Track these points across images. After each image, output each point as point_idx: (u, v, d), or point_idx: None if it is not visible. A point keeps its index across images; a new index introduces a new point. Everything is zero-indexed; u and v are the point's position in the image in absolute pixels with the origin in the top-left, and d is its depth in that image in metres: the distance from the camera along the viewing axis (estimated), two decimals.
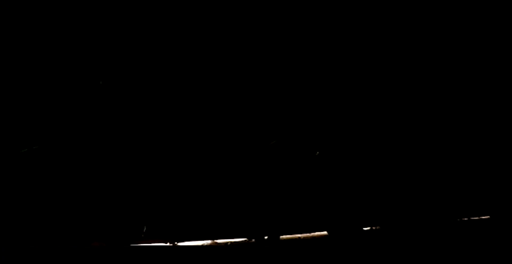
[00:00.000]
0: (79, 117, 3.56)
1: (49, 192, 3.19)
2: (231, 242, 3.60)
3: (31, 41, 3.58)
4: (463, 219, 3.68)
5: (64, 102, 3.65)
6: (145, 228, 3.22)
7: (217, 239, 3.57)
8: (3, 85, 3.60)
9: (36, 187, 3.19)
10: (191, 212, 3.31)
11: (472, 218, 3.72)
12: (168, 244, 3.57)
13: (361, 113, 3.38)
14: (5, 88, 3.64)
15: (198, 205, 3.30)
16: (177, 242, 3.56)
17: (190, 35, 3.50)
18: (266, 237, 3.46)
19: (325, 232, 3.45)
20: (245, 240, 3.59)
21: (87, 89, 3.60)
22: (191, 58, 3.34)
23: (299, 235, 3.66)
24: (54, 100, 3.64)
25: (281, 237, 3.54)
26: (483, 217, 3.71)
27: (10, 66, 3.62)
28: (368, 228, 3.38)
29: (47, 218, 3.17)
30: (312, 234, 3.62)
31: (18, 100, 3.65)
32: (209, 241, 3.61)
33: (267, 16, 3.50)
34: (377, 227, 3.36)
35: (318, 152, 3.35)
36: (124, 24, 3.48)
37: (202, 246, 3.50)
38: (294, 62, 3.66)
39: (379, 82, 3.71)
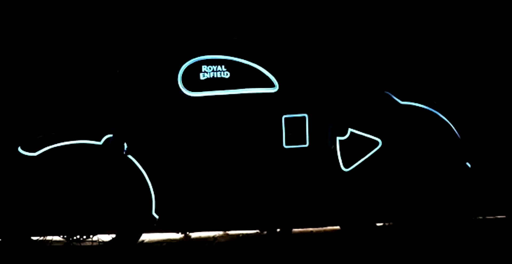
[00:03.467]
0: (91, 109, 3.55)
1: (56, 182, 3.18)
2: (242, 234, 3.59)
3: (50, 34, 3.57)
4: (477, 217, 3.64)
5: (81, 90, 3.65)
6: (157, 218, 3.21)
7: (229, 230, 3.56)
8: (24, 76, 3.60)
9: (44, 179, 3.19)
10: (204, 203, 3.28)
11: (487, 217, 3.68)
12: (179, 234, 3.57)
13: (374, 106, 3.33)
14: (25, 79, 3.65)
15: (211, 195, 3.27)
16: (189, 232, 3.56)
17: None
18: (278, 230, 3.44)
19: (337, 227, 3.42)
20: (257, 233, 3.57)
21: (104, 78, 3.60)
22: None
23: (311, 229, 3.63)
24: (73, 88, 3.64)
25: (293, 230, 3.52)
26: (498, 216, 3.66)
27: (30, 58, 3.63)
28: (381, 224, 3.33)
29: (55, 208, 3.16)
30: (325, 228, 3.60)
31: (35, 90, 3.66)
32: (220, 232, 3.60)
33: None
34: (390, 223, 3.32)
35: (332, 146, 3.30)
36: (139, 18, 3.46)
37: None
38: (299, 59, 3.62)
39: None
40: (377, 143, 3.26)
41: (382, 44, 3.79)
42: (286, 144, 3.25)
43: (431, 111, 3.26)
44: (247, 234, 3.57)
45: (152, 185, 3.19)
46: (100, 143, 3.18)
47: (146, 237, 3.64)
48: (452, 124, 3.24)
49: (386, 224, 3.31)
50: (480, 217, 3.68)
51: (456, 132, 3.24)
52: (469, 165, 3.22)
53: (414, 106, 3.28)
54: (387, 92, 3.33)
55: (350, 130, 3.27)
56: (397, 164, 3.26)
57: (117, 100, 3.31)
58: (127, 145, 3.20)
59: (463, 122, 3.34)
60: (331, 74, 3.45)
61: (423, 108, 3.28)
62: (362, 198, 3.26)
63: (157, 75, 3.27)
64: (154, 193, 3.18)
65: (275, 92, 3.25)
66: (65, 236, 3.20)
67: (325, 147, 3.27)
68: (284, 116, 3.23)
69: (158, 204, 3.20)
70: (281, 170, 3.25)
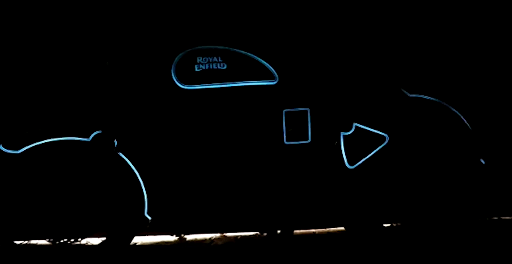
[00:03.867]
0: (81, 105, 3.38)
1: (49, 183, 3.02)
2: (241, 236, 3.41)
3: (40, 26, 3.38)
4: (492, 218, 3.44)
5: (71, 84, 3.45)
6: (150, 219, 3.03)
7: (226, 232, 3.38)
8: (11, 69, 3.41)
9: (36, 179, 3.03)
10: (200, 203, 3.11)
11: (504, 217, 3.48)
12: (174, 236, 3.39)
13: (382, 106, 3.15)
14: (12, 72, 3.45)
15: (207, 195, 3.10)
16: (184, 235, 3.38)
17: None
18: (278, 232, 3.26)
19: (342, 228, 3.23)
20: (256, 234, 3.40)
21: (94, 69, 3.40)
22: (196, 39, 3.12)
23: (314, 230, 3.46)
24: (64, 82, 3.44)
25: (295, 231, 3.33)
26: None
27: (19, 50, 3.43)
28: (389, 224, 3.14)
29: (40, 209, 3.00)
30: (328, 229, 3.42)
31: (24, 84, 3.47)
32: (217, 234, 3.42)
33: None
34: (398, 224, 3.13)
35: (336, 142, 3.12)
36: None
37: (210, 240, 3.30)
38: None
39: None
40: (384, 138, 3.08)
41: (389, 34, 3.59)
42: (287, 140, 3.10)
43: (442, 104, 3.08)
44: (246, 236, 3.39)
45: (144, 184, 3.04)
46: (89, 139, 3.02)
47: (139, 240, 3.46)
48: (465, 118, 3.06)
49: (394, 225, 3.13)
50: (495, 218, 3.49)
51: (469, 126, 3.06)
52: (483, 161, 3.04)
53: (424, 98, 3.10)
54: (396, 85, 3.15)
55: (355, 124, 3.10)
56: (405, 160, 3.09)
57: (107, 94, 3.14)
58: (118, 142, 3.05)
59: (476, 116, 3.16)
60: (335, 66, 3.27)
61: (433, 101, 3.10)
62: (368, 197, 3.08)
63: (149, 67, 3.10)
64: (147, 192, 3.03)
65: (275, 85, 3.09)
66: (51, 240, 3.01)
67: (328, 143, 3.10)
68: (284, 110, 3.08)
69: (151, 204, 3.05)
70: (281, 167, 3.09)
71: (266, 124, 3.09)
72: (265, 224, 3.13)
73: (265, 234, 3.32)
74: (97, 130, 3.04)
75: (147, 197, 3.04)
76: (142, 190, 3.03)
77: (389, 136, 3.08)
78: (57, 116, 3.43)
